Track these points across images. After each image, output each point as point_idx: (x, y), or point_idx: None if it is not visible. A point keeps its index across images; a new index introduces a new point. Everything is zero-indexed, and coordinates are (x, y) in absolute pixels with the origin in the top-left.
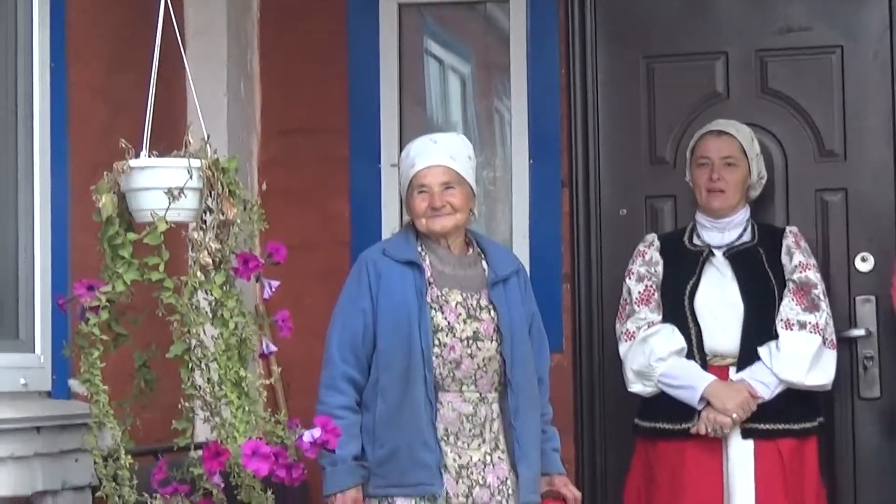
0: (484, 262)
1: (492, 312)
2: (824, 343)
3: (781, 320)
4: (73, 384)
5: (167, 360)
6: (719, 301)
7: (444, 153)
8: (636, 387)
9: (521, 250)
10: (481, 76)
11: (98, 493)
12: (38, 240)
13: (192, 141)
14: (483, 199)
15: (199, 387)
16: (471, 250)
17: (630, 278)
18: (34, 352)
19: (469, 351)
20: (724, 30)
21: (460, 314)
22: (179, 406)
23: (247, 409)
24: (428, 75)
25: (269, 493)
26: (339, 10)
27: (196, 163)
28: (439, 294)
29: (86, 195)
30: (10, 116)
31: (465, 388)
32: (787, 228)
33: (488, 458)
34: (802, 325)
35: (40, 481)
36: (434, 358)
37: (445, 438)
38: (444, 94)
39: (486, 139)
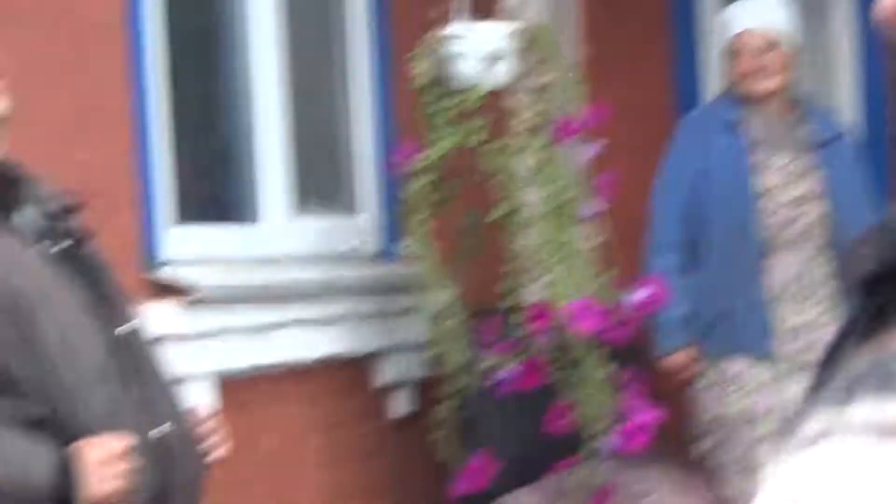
0: (808, 125)
1: (817, 174)
2: None
3: None
4: (402, 246)
5: (492, 223)
6: None
7: (763, 15)
8: None
9: (850, 115)
10: None
11: (429, 352)
12: (364, 106)
13: (510, 7)
14: (815, 66)
15: (524, 249)
16: (794, 112)
17: None
18: (365, 214)
19: (795, 213)
20: None
21: (785, 177)
22: (505, 268)
23: (573, 269)
24: None
25: (599, 351)
26: None
27: (514, 28)
28: (763, 157)
29: (407, 62)
30: None
31: (792, 249)
32: None
33: (821, 318)
34: None
35: (375, 340)
36: (760, 220)
37: (776, 299)
38: None
39: (812, 3)
